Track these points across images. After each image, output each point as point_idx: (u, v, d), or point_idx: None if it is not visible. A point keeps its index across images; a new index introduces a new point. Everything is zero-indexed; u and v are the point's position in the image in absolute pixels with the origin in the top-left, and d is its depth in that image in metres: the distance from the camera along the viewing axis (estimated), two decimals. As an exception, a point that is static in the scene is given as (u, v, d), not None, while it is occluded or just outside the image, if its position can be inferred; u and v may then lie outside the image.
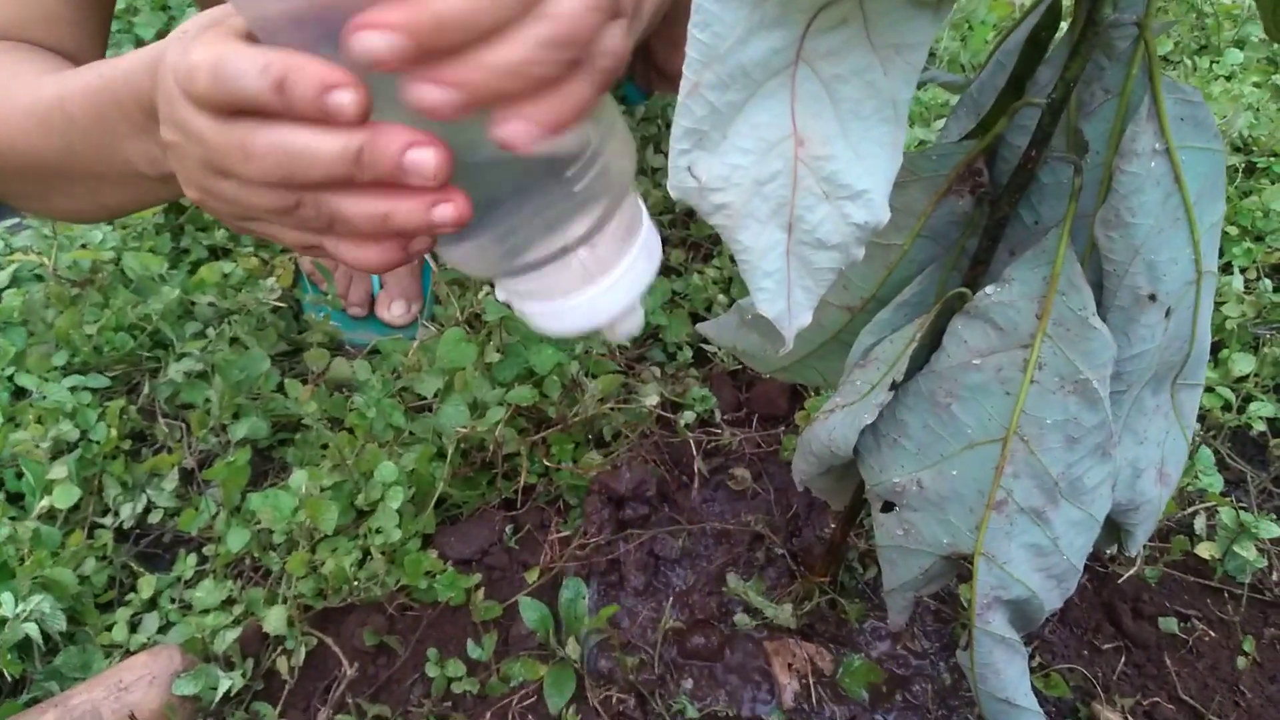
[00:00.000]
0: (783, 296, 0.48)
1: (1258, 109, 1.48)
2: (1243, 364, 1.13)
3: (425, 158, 0.37)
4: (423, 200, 0.39)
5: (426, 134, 0.38)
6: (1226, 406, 1.12)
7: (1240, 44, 1.64)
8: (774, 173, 0.46)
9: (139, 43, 1.56)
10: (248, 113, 0.39)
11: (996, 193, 0.58)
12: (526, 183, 0.42)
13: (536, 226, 0.43)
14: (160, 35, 1.57)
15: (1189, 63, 1.61)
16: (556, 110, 0.38)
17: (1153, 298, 0.58)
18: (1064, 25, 0.55)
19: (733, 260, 1.22)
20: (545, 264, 0.45)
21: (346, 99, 0.36)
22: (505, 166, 0.41)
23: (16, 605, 0.84)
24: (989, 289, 0.59)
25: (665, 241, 1.31)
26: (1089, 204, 0.57)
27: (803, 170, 0.47)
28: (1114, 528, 0.70)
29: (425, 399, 1.05)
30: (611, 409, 1.04)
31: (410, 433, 1.01)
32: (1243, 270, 1.26)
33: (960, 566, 0.68)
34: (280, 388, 1.09)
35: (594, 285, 0.46)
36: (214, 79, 0.38)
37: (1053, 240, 0.57)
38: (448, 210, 0.39)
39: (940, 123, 1.41)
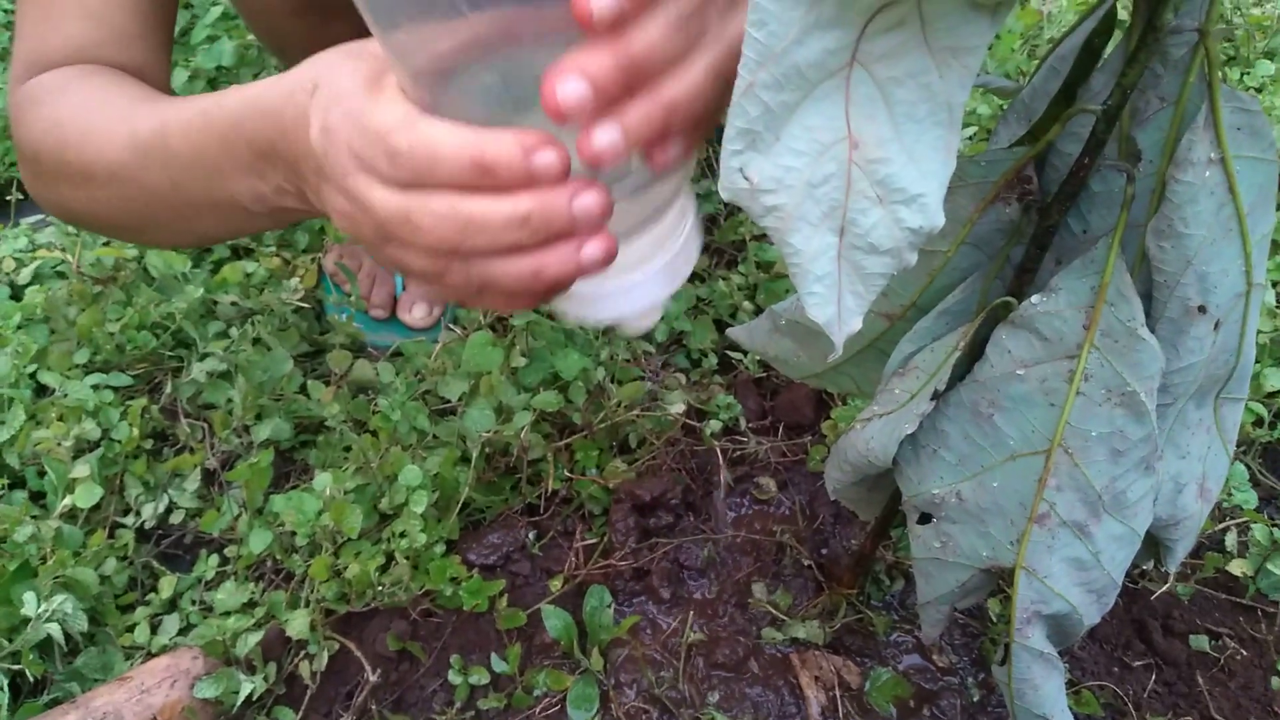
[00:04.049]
0: (833, 301, 0.47)
1: (1287, 122, 1.47)
2: (1275, 379, 1.11)
3: (590, 203, 0.39)
4: (572, 245, 0.39)
5: (583, 179, 0.38)
6: (1258, 422, 1.10)
7: (1271, 55, 1.63)
8: (827, 175, 0.45)
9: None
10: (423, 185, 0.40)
11: (1045, 201, 0.57)
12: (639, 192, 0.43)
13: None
14: (183, 34, 1.56)
15: (1219, 75, 1.60)
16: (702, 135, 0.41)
17: (1202, 310, 0.57)
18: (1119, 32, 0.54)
19: (758, 266, 1.21)
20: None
21: (550, 158, 0.37)
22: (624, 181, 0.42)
23: (39, 605, 0.83)
24: (1035, 298, 0.58)
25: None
26: (1139, 213, 0.56)
27: (856, 173, 0.46)
28: (1152, 543, 0.69)
29: (448, 402, 1.04)
30: (637, 416, 1.03)
31: (434, 436, 1.00)
32: (1274, 284, 1.24)
33: (997, 580, 0.67)
34: (303, 389, 1.09)
35: (638, 271, 0.45)
36: (415, 165, 0.39)
37: (1102, 250, 0.56)
38: (596, 250, 0.40)
39: (969, 130, 1.40)
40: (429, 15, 0.36)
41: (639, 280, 0.45)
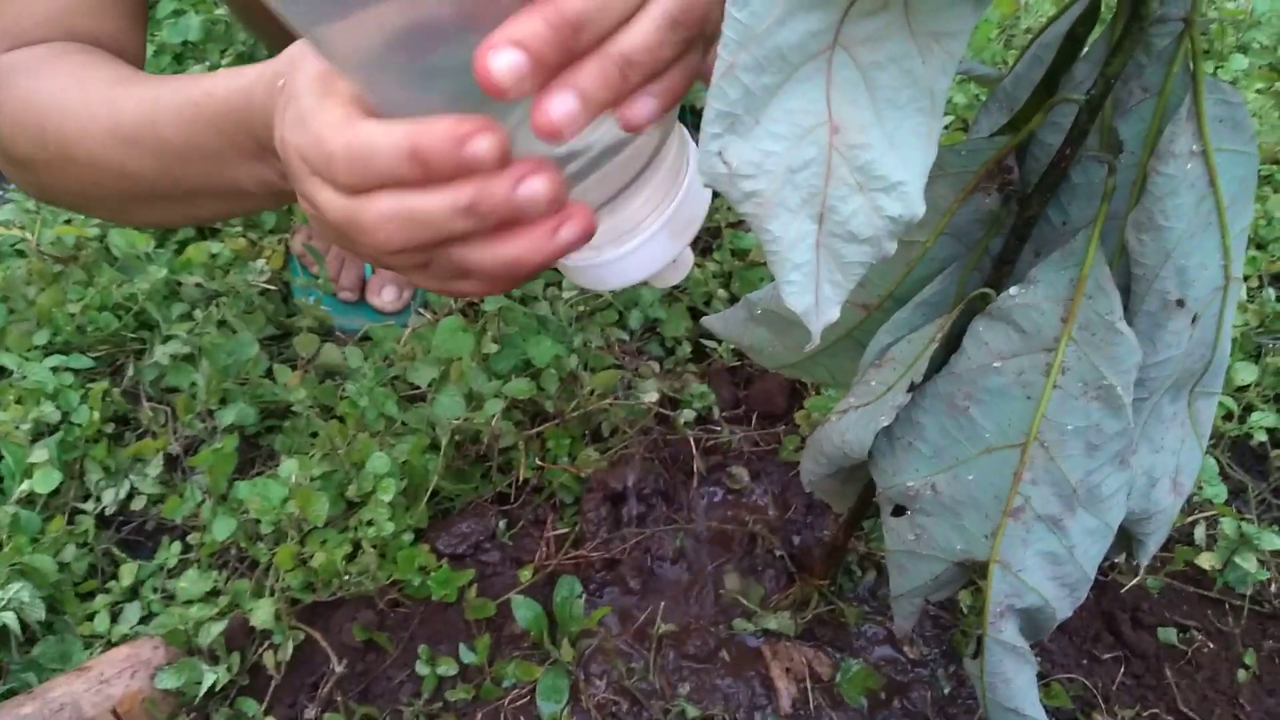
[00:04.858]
0: (811, 290, 0.46)
1: (1261, 116, 1.48)
2: (1244, 373, 1.12)
3: (537, 187, 0.37)
4: (545, 230, 0.38)
5: (531, 161, 0.37)
6: (1228, 416, 1.11)
7: (1244, 49, 1.64)
8: (807, 160, 0.44)
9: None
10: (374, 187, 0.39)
11: (1026, 191, 0.57)
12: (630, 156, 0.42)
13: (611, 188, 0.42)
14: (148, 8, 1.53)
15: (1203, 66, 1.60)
16: (674, 87, 0.39)
17: (1180, 304, 0.56)
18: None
19: (733, 254, 1.20)
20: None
21: (484, 145, 0.35)
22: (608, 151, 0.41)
23: (-7, 592, 0.81)
24: (1013, 290, 0.57)
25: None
26: (1119, 205, 0.56)
27: (837, 159, 0.45)
28: (1125, 536, 0.69)
29: (418, 388, 1.02)
30: (610, 404, 1.02)
31: (403, 423, 0.98)
32: (1245, 278, 1.25)
33: (971, 573, 0.66)
34: (269, 373, 1.07)
35: (637, 234, 0.44)
36: (351, 167, 0.38)
37: (1081, 242, 0.55)
38: (572, 230, 0.38)
39: (944, 119, 1.40)
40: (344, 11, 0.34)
41: (641, 242, 0.44)
